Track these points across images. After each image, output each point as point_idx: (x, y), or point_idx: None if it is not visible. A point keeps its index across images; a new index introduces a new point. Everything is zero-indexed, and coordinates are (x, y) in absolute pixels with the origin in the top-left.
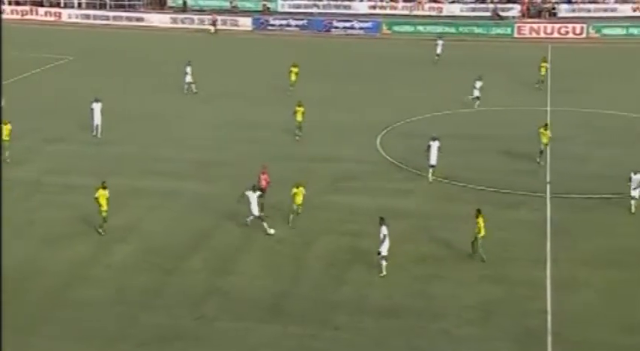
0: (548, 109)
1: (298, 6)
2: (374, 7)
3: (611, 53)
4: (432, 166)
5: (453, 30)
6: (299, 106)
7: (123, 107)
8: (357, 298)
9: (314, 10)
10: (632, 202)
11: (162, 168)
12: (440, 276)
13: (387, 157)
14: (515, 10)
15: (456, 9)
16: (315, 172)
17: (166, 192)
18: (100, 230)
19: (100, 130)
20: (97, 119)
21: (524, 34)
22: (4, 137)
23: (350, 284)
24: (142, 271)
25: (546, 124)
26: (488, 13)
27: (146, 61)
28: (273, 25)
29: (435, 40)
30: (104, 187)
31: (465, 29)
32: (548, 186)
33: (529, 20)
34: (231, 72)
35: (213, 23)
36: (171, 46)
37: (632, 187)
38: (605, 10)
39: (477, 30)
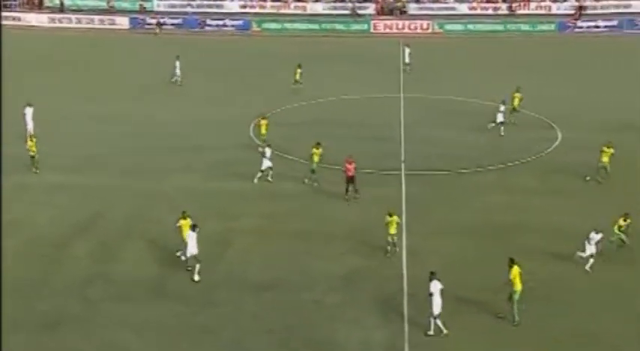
0: (402, 95)
1: (173, 5)
2: (244, 7)
3: (453, 46)
4: None
5: (316, 27)
6: (316, 147)
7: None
8: (237, 276)
9: (188, 9)
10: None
11: (46, 163)
12: (311, 251)
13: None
14: (370, 8)
15: (318, 7)
16: (196, 161)
17: (51, 186)
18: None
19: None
20: (30, 124)
21: (379, 29)
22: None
23: (230, 263)
24: (27, 262)
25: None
26: (347, 11)
27: (30, 61)
28: (150, 24)
29: (403, 48)
30: (185, 218)
31: (328, 26)
32: (402, 165)
33: (383, 17)
34: (110, 70)
35: (158, 25)
36: (54, 46)
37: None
38: (447, 8)
39: (337, 27)
